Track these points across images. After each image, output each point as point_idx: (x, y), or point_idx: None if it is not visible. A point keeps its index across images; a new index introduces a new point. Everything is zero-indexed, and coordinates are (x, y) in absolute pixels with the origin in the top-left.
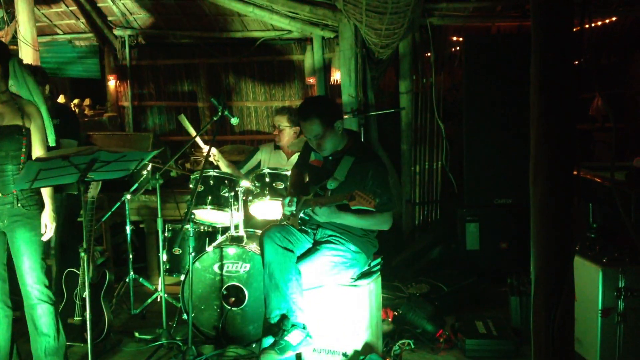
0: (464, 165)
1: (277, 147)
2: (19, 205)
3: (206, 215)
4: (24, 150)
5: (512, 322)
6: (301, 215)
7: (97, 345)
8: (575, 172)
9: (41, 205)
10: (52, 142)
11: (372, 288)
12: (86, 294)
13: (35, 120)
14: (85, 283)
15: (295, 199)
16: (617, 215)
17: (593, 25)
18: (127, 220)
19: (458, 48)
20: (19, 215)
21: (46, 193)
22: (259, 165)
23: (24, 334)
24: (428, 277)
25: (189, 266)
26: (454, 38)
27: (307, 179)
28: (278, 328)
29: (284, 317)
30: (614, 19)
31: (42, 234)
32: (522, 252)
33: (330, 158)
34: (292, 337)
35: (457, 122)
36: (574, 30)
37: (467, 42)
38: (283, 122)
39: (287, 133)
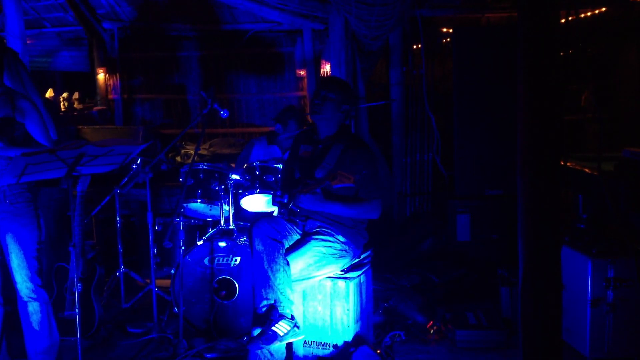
0: (454, 156)
1: (272, 142)
2: (7, 201)
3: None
4: (16, 144)
5: (503, 313)
6: (291, 206)
7: (88, 339)
8: (562, 163)
9: (32, 203)
10: (53, 135)
11: (362, 280)
12: (76, 289)
13: (30, 115)
14: (75, 277)
15: (285, 193)
16: (607, 206)
17: (582, 15)
18: (117, 214)
19: (449, 39)
20: (7, 212)
21: None
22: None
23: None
24: (419, 268)
25: (179, 260)
26: (444, 29)
27: (298, 174)
28: (266, 318)
29: (271, 308)
30: (603, 9)
31: (34, 233)
32: (512, 243)
33: (320, 147)
34: (279, 327)
35: (448, 113)
36: (562, 21)
37: (457, 34)
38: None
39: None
